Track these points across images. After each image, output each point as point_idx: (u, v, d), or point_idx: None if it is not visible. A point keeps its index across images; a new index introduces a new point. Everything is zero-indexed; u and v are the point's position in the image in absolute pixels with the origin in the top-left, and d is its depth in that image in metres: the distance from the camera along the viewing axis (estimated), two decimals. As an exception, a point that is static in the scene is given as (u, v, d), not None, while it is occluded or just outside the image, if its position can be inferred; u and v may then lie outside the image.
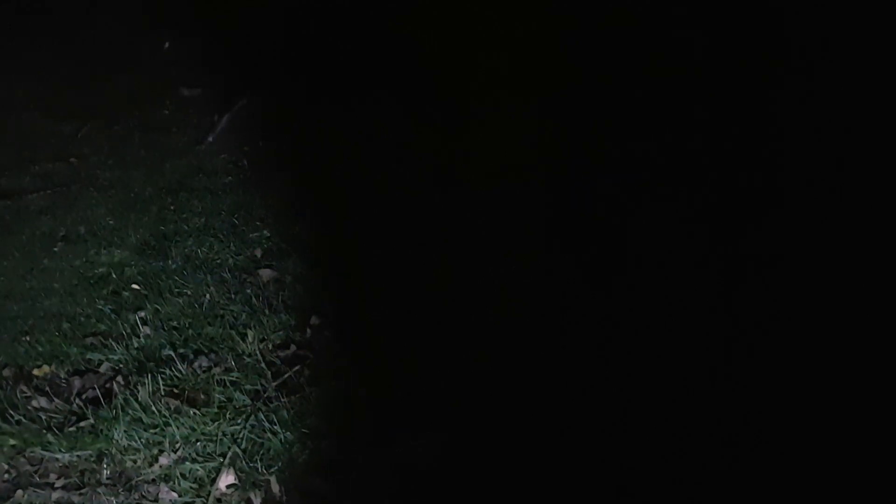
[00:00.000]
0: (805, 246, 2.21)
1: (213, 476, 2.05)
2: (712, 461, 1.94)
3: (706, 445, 1.98)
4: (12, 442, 2.19)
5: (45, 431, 2.22)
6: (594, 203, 2.62)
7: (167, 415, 2.18)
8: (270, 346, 2.39)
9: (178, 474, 2.06)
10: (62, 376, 2.44)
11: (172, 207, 3.23)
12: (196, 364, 2.37)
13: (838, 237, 2.16)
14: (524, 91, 3.07)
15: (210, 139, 3.53)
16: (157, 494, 2.05)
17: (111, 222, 3.16)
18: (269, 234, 2.91)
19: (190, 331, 2.53)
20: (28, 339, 2.60)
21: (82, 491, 2.09)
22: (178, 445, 2.13)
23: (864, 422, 1.89)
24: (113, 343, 2.51)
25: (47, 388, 2.38)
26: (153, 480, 2.08)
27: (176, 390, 2.29)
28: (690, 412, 2.04)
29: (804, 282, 2.16)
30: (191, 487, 2.04)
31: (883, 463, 1.80)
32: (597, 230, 2.54)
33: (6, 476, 2.13)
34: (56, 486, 2.12)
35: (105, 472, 2.12)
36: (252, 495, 2.00)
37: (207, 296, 2.67)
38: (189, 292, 2.72)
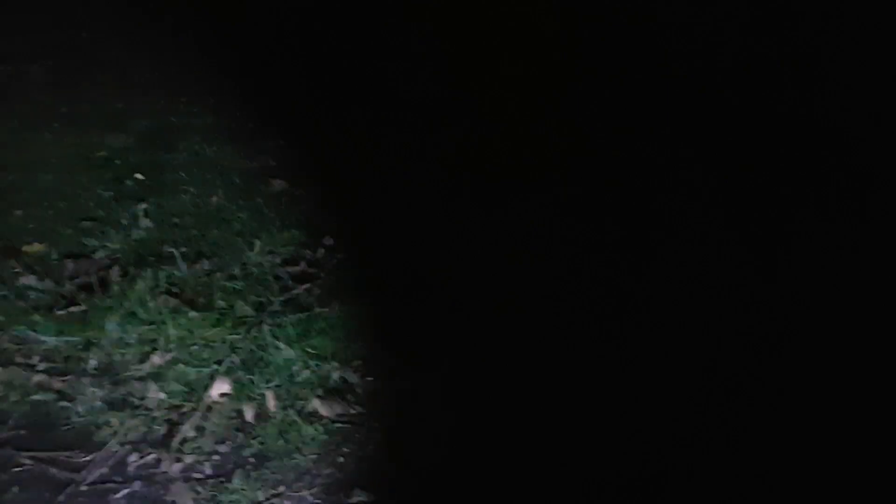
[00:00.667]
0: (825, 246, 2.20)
1: (206, 382, 1.96)
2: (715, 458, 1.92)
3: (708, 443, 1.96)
4: (-3, 316, 2.09)
5: (32, 311, 2.12)
6: (606, 203, 2.57)
7: (164, 313, 2.09)
8: (279, 260, 2.29)
9: (170, 376, 1.98)
10: (54, 257, 2.32)
11: (183, 99, 3.07)
12: (198, 266, 2.27)
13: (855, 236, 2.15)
14: (537, 89, 2.99)
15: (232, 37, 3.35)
16: (145, 393, 1.96)
17: (119, 106, 3.00)
18: (285, 144, 2.78)
19: (193, 231, 2.41)
20: (20, 212, 2.47)
21: (65, 378, 2.00)
22: (172, 346, 2.04)
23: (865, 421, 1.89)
24: (111, 231, 2.39)
25: (37, 268, 2.27)
26: (142, 378, 1.99)
27: (175, 289, 2.19)
28: (695, 410, 2.02)
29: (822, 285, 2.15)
30: (181, 391, 1.96)
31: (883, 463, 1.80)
32: (608, 231, 2.50)
33: (-13, 350, 2.03)
34: (38, 368, 2.02)
35: (92, 361, 2.03)
36: (245, 407, 1.93)
37: (214, 197, 2.54)
38: (195, 191, 2.60)
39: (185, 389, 1.97)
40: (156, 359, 2.02)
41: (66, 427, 1.91)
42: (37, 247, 2.35)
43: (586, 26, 3.07)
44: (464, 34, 3.13)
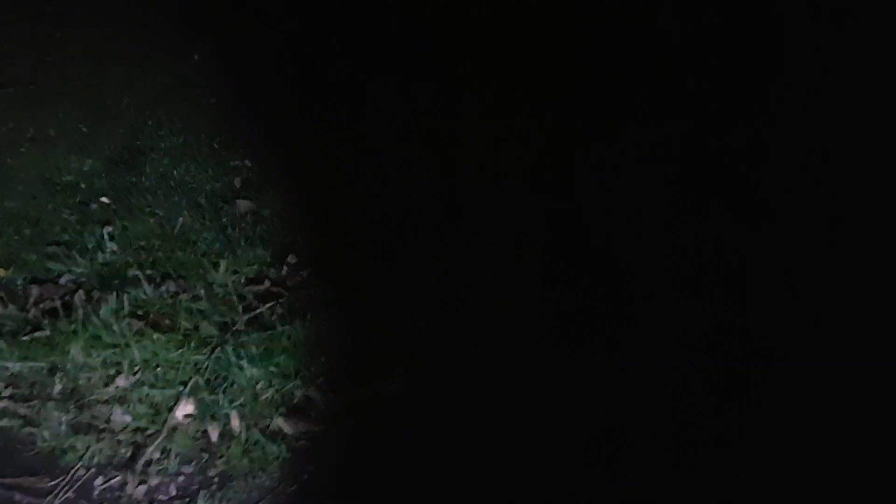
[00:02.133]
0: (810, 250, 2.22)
1: (170, 404, 1.98)
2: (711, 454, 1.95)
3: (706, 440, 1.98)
4: (-40, 343, 2.09)
5: (-4, 337, 2.13)
6: (597, 203, 2.60)
7: (128, 336, 2.10)
8: (243, 280, 2.31)
9: (135, 398, 2.00)
10: (19, 283, 2.33)
11: (150, 122, 3.07)
12: (163, 288, 2.28)
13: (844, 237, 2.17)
14: (532, 88, 3.02)
15: (196, 57, 3.37)
16: (110, 416, 1.98)
17: (84, 130, 3.01)
18: (250, 164, 2.79)
19: (159, 253, 2.43)
20: (-15, 239, 2.47)
21: (31, 403, 2.02)
22: (137, 368, 2.06)
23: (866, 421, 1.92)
24: (76, 255, 2.40)
25: (2, 293, 2.27)
26: (107, 401, 2.01)
27: (140, 312, 2.20)
28: (689, 409, 2.04)
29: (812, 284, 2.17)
30: (146, 413, 1.98)
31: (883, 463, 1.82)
32: (598, 231, 2.52)
33: (-49, 378, 2.04)
34: (3, 394, 2.04)
35: (57, 386, 2.04)
36: (210, 428, 1.95)
37: (180, 219, 2.56)
38: (161, 213, 2.61)
39: (150, 411, 1.99)
40: (120, 382, 2.04)
41: (31, 452, 1.92)
42: (1, 272, 2.35)
43: (583, 23, 3.07)
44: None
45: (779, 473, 1.97)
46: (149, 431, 1.95)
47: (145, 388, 2.01)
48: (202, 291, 2.25)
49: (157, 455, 1.89)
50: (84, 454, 1.90)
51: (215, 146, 2.92)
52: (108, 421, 1.98)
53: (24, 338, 2.12)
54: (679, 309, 2.28)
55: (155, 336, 2.11)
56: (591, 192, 2.63)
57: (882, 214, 2.29)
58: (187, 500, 1.81)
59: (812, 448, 1.94)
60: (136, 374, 2.04)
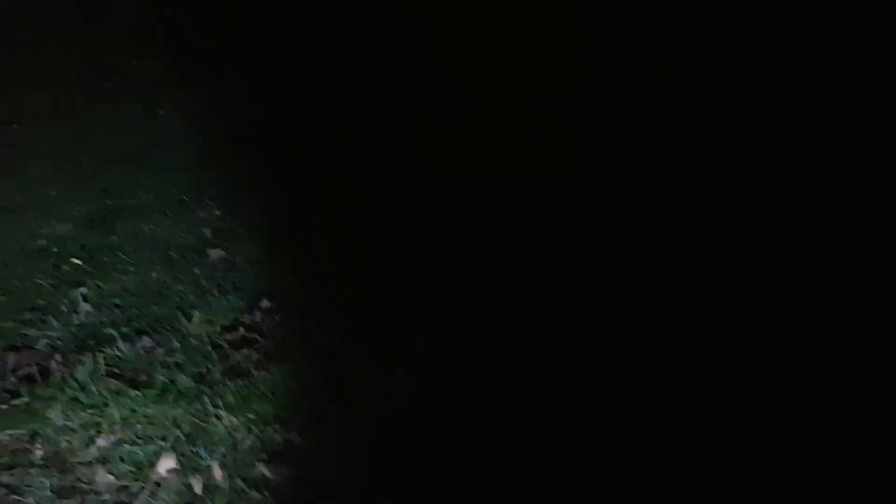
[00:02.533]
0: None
1: (152, 460, 1.99)
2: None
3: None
4: (-61, 418, 2.10)
5: (-25, 408, 2.13)
6: (598, 203, 2.61)
7: (107, 395, 2.11)
8: (218, 329, 2.33)
9: (117, 457, 2.00)
10: (-4, 352, 2.34)
11: (120, 181, 3.12)
12: (139, 344, 2.30)
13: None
14: (532, 87, 3.04)
15: (162, 112, 3.42)
16: (94, 477, 1.98)
17: (54, 193, 3.04)
18: (220, 214, 2.84)
19: (133, 310, 2.45)
20: (-40, 311, 2.49)
21: (13, 471, 2.01)
22: (117, 427, 2.07)
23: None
24: (52, 319, 2.42)
25: (-21, 364, 2.28)
26: (89, 463, 2.01)
27: (117, 370, 2.22)
28: (689, 409, 2.04)
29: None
30: (129, 471, 1.98)
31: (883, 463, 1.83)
32: (598, 231, 2.53)
33: (-69, 454, 2.04)
34: (-15, 465, 2.03)
35: (39, 452, 2.04)
36: (193, 481, 1.95)
37: (153, 274, 2.59)
38: (133, 270, 2.64)
39: (133, 469, 1.99)
40: (101, 442, 2.05)
41: (16, 521, 1.92)
42: (-23, 343, 2.37)
43: (583, 23, 3.09)
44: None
45: (779, 473, 1.97)
46: (133, 489, 1.95)
47: (126, 447, 2.02)
48: (178, 344, 2.27)
49: (142, 512, 1.89)
50: (70, 518, 1.90)
51: (184, 199, 2.96)
52: (91, 482, 1.98)
53: (3, 406, 2.13)
54: (679, 309, 2.29)
55: (133, 393, 2.12)
56: (591, 192, 2.64)
57: (882, 214, 2.32)
58: (175, 555, 1.82)
59: (812, 448, 1.95)
60: (115, 433, 2.05)
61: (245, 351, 2.22)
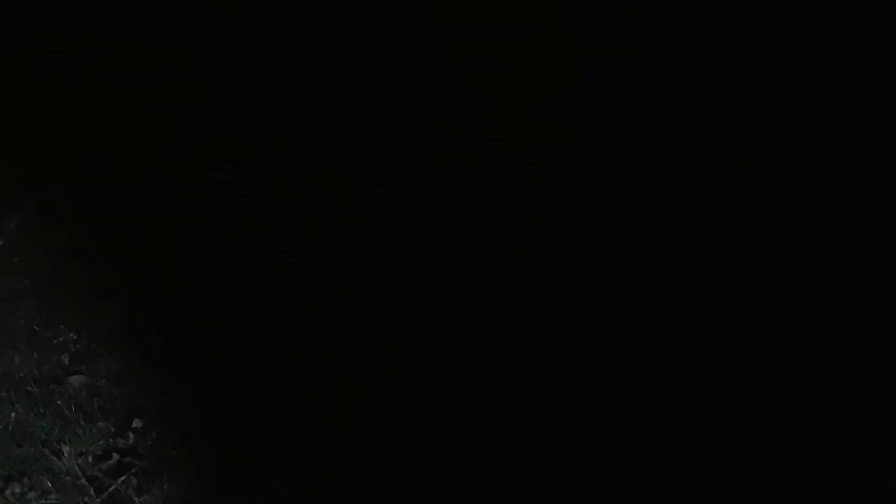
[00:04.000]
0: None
1: None
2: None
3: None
4: None
5: None
6: (599, 203, 2.67)
7: (-21, 556, 2.02)
8: (90, 459, 2.28)
9: None
10: None
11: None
12: (8, 492, 2.21)
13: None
14: (532, 87, 3.07)
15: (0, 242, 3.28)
16: None
17: None
18: (76, 337, 2.75)
19: (-3, 456, 2.35)
20: None
21: None
22: (-4, 587, 1.98)
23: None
24: None
25: None
26: None
27: (-13, 526, 2.12)
28: (690, 412, 2.09)
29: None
30: None
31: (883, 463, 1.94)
32: (599, 230, 2.59)
33: None
34: None
35: None
36: None
37: (13, 414, 2.48)
38: (-9, 413, 2.52)
39: None
40: None
41: None
42: None
43: (588, 23, 3.16)
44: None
45: (779, 473, 2.07)
46: None
47: None
48: (49, 484, 2.20)
49: None
50: None
51: (36, 328, 2.86)
52: None
53: None
54: (678, 309, 2.37)
55: (9, 547, 2.04)
56: (593, 191, 2.72)
57: (882, 214, 2.50)
58: None
59: (812, 448, 2.06)
60: (-5, 593, 1.96)
61: (123, 478, 2.18)
